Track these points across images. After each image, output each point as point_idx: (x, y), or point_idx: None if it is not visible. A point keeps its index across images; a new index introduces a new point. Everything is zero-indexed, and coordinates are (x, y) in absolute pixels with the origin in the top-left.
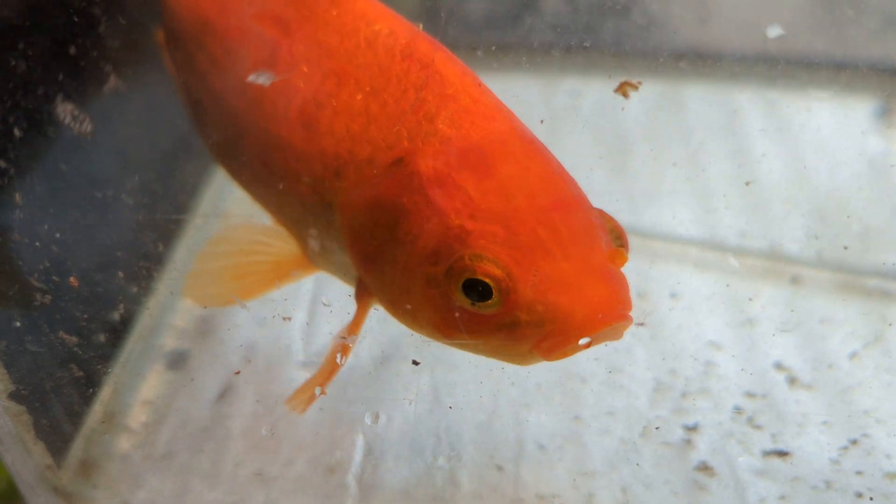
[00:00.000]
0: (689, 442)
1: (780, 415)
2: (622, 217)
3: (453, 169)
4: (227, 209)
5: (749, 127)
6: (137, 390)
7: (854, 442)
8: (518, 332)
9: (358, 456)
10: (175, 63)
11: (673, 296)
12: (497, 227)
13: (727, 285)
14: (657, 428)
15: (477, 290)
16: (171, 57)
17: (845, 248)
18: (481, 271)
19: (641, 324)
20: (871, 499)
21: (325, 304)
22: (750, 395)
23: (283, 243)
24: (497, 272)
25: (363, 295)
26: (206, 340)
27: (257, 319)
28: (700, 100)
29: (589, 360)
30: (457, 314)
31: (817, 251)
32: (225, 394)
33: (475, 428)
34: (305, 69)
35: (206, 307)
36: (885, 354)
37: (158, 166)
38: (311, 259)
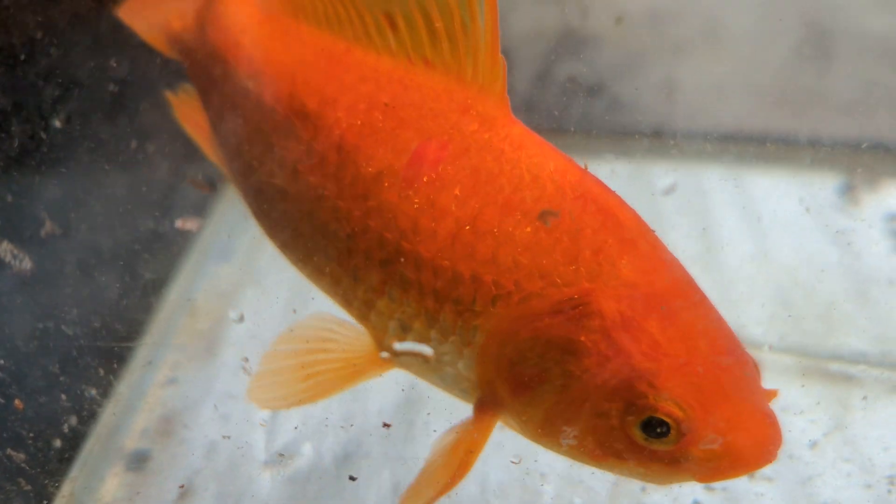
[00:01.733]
0: None
1: None
2: None
3: (638, 314)
4: (197, 301)
5: (714, 205)
6: (96, 493)
7: None
8: (684, 465)
9: None
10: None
11: None
12: (681, 371)
13: None
14: None
15: (655, 428)
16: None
17: (805, 331)
18: (664, 411)
19: None
20: None
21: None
22: (709, 488)
23: (355, 338)
24: (679, 413)
25: (487, 411)
26: (168, 440)
27: (221, 416)
28: (666, 179)
29: (548, 456)
30: (621, 446)
31: (780, 334)
32: (185, 495)
33: None
34: (458, 192)
35: (273, 410)
36: (846, 443)
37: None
38: (394, 358)
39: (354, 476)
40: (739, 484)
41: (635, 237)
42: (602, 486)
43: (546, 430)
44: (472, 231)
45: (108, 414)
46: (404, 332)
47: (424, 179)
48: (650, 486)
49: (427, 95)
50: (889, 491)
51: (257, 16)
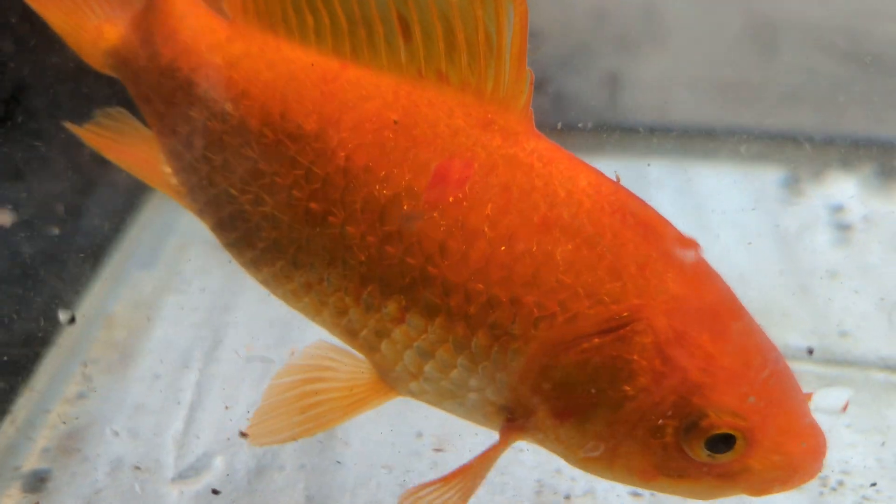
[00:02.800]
0: None
1: None
2: None
3: (690, 328)
4: (115, 311)
5: (658, 198)
6: None
7: None
8: (739, 479)
9: None
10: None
11: None
12: (738, 384)
13: None
14: None
15: (718, 443)
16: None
17: None
18: (729, 425)
19: None
20: None
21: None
22: (636, 494)
23: (355, 367)
24: (743, 425)
25: (514, 432)
26: (70, 458)
27: (129, 431)
28: (609, 173)
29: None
30: (677, 464)
31: None
32: None
33: None
34: (489, 211)
35: (270, 446)
36: None
37: None
38: (394, 385)
39: (218, 490)
40: None
41: (675, 249)
42: (526, 491)
43: (592, 453)
44: (509, 252)
45: (4, 433)
46: (423, 359)
47: (451, 199)
48: (575, 492)
49: (441, 111)
50: (821, 493)
51: (222, 30)
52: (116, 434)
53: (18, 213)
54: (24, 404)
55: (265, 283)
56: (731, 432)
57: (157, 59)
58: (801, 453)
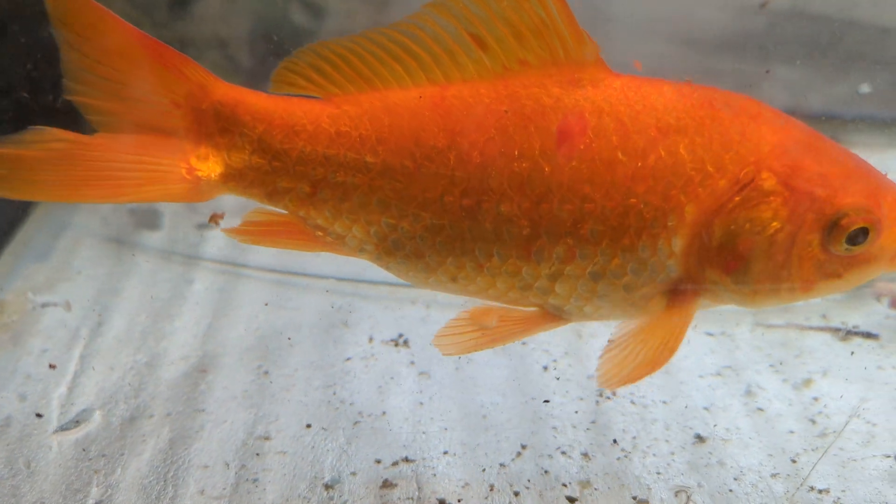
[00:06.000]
0: None
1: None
2: None
3: (799, 160)
4: (5, 299)
5: None
6: None
7: None
8: (879, 257)
9: (91, 501)
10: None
11: None
12: (849, 186)
13: None
14: None
15: (855, 238)
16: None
17: None
18: (863, 220)
19: None
20: None
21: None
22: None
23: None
24: (872, 217)
25: (687, 299)
26: None
27: (18, 396)
28: None
29: None
30: (829, 267)
31: None
32: None
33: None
34: (615, 140)
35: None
36: (570, 366)
37: None
38: (568, 316)
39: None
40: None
41: (758, 110)
42: None
43: (762, 286)
44: (644, 165)
45: None
46: (596, 281)
47: (581, 147)
48: None
49: (537, 88)
50: (597, 402)
51: (327, 105)
52: (5, 399)
53: None
54: None
55: (438, 283)
56: (865, 224)
57: (285, 156)
58: None
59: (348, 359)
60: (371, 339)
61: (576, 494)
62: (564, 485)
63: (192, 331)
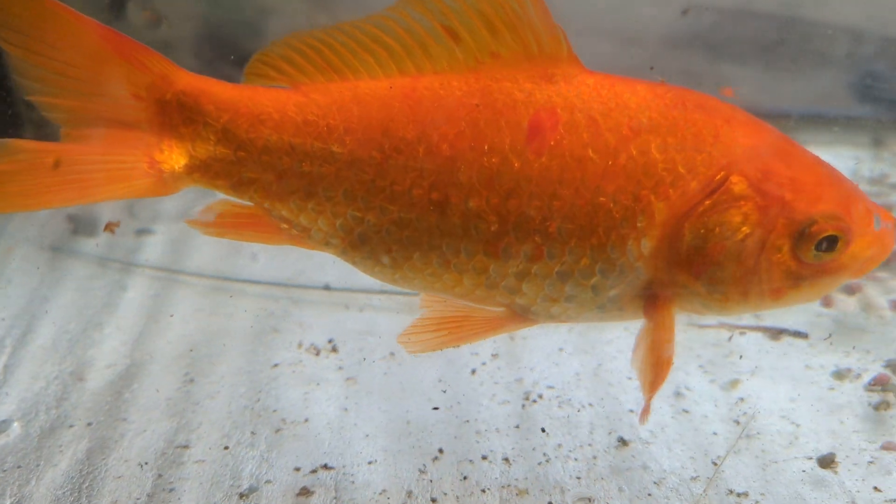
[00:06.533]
0: None
1: None
2: None
3: (769, 165)
4: None
5: None
6: None
7: None
8: (846, 266)
9: None
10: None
11: None
12: (820, 193)
13: None
14: None
15: (823, 244)
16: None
17: None
18: (833, 227)
19: None
20: None
21: None
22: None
23: (488, 310)
24: (842, 224)
25: (661, 307)
26: None
27: None
28: None
29: None
30: (798, 274)
31: None
32: None
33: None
34: (586, 137)
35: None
36: (499, 369)
37: None
38: (535, 317)
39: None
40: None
41: (732, 113)
42: None
43: (731, 292)
44: (615, 163)
45: None
46: (564, 281)
47: (551, 143)
48: None
49: (508, 82)
50: (523, 405)
51: (294, 95)
52: None
53: None
54: None
55: (404, 279)
56: (835, 232)
57: (251, 146)
58: (888, 232)
59: (275, 365)
60: (300, 345)
61: (494, 500)
62: (483, 490)
63: (122, 338)
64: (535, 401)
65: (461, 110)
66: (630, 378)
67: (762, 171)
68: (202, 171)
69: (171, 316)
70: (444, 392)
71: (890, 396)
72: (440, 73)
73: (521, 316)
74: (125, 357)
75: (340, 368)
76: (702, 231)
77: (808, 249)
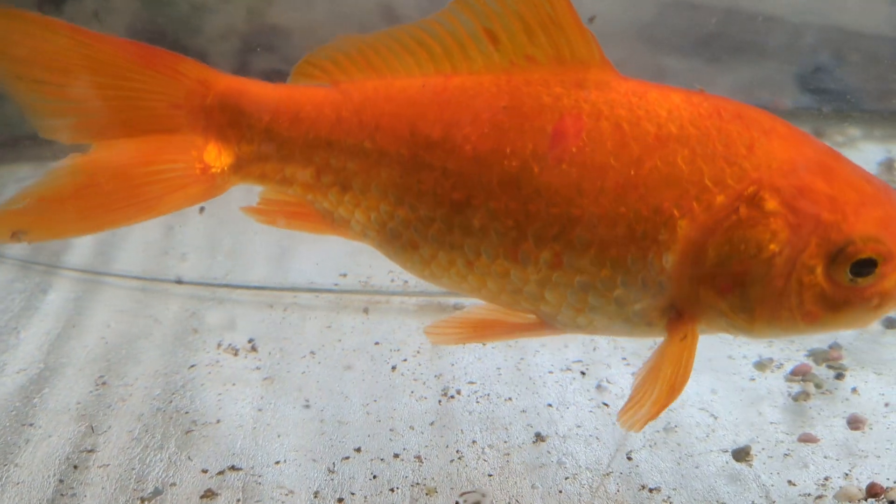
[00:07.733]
0: None
1: None
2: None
3: (806, 180)
4: None
5: None
6: None
7: None
8: (890, 295)
9: None
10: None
11: None
12: (862, 213)
13: None
14: None
15: (863, 268)
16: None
17: None
18: (871, 250)
19: None
20: None
21: None
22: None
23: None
24: (881, 248)
25: (686, 322)
26: None
27: None
28: None
29: None
30: (834, 298)
31: (408, 278)
32: None
33: None
34: (610, 146)
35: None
36: (419, 365)
37: None
38: (562, 327)
39: None
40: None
41: (772, 125)
42: None
43: (759, 313)
44: (638, 173)
45: None
46: (586, 292)
47: (574, 150)
48: None
49: (539, 86)
50: (440, 401)
51: (332, 92)
52: None
53: None
54: None
55: (433, 276)
56: (873, 255)
57: (292, 144)
58: None
59: (192, 366)
60: (219, 346)
61: (404, 499)
62: (392, 489)
63: (37, 343)
64: (452, 396)
65: (487, 112)
66: (551, 372)
67: (797, 187)
68: (248, 169)
69: (93, 318)
70: (363, 389)
71: (810, 387)
72: (475, 73)
73: (550, 325)
74: (39, 362)
75: (258, 368)
76: (726, 247)
77: (843, 272)
